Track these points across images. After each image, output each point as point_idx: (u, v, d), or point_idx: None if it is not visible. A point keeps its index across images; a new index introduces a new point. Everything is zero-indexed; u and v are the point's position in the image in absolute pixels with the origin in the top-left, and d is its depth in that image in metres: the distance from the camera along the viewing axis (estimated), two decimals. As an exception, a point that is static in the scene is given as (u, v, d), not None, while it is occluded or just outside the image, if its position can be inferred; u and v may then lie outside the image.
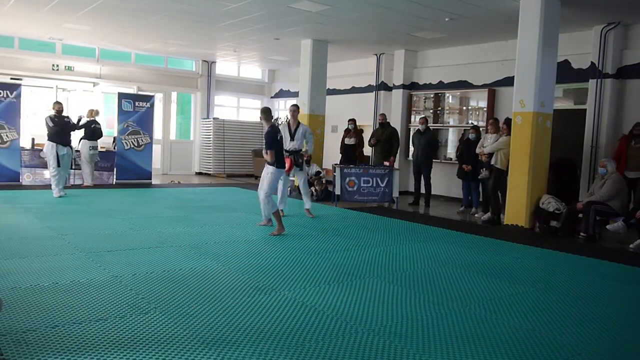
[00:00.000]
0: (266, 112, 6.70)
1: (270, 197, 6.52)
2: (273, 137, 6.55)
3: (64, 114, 9.58)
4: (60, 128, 9.14)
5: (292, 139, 7.75)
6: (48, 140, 9.14)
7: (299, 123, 7.91)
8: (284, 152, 7.31)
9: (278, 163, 6.58)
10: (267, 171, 6.58)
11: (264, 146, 6.67)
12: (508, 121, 8.32)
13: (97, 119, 10.88)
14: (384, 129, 10.40)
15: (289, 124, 7.86)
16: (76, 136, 10.77)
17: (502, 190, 8.26)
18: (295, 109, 7.93)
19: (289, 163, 7.39)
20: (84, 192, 9.80)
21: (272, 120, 6.86)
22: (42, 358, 2.72)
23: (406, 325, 3.45)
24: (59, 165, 9.03)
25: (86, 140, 10.51)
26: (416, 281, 4.58)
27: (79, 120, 10.07)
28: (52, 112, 9.22)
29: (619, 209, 7.00)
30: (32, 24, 11.02)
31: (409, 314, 3.69)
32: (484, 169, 8.46)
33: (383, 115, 10.70)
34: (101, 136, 10.88)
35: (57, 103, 9.43)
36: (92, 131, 10.60)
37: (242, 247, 5.68)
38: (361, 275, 4.69)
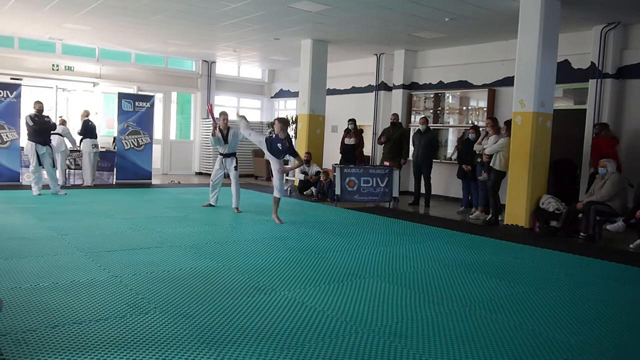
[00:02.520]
0: (287, 123, 7.57)
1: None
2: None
3: (44, 113, 9.38)
4: (39, 127, 9.03)
5: (226, 141, 8.29)
6: (28, 139, 9.08)
7: (228, 128, 8.33)
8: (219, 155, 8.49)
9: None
10: (279, 173, 7.43)
11: (284, 153, 7.32)
12: (508, 123, 8.36)
13: (91, 118, 10.97)
14: (395, 128, 10.42)
15: (221, 130, 8.23)
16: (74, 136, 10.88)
17: (494, 192, 8.23)
18: (226, 116, 8.33)
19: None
20: (84, 192, 9.80)
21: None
22: (42, 358, 2.71)
23: (406, 325, 3.45)
24: (39, 165, 9.04)
25: (87, 139, 10.55)
26: (416, 281, 4.58)
27: (62, 122, 10.29)
28: (33, 112, 9.10)
29: (619, 209, 7.00)
30: (32, 24, 11.02)
31: (409, 314, 3.69)
32: (484, 171, 8.44)
33: (395, 115, 10.75)
34: (96, 133, 10.91)
35: (38, 102, 9.27)
36: (91, 129, 10.66)
37: (242, 247, 5.68)
38: (361, 275, 4.69)
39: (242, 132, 7.93)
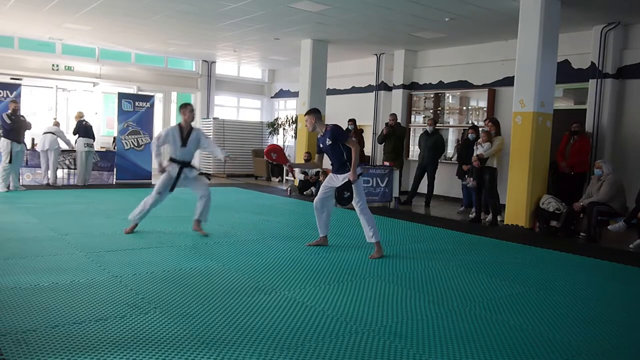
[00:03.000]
0: (318, 112, 5.67)
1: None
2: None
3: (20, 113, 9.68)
4: (17, 125, 9.33)
5: (184, 144, 6.01)
6: (4, 137, 9.33)
7: (191, 127, 6.11)
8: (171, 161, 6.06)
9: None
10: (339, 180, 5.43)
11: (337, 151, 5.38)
12: (494, 120, 8.59)
13: (91, 120, 11.05)
14: (394, 129, 10.35)
15: (180, 126, 6.03)
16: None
17: (494, 192, 8.24)
18: (192, 109, 6.14)
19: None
20: (84, 192, 9.80)
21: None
22: (42, 358, 2.71)
23: (406, 325, 3.45)
24: (10, 162, 9.27)
25: (81, 139, 10.73)
26: (416, 281, 4.58)
27: (55, 124, 10.64)
28: (9, 111, 9.37)
29: (619, 209, 7.00)
30: (32, 24, 11.03)
31: (409, 314, 3.69)
32: (472, 178, 8.36)
33: (394, 115, 10.66)
34: (93, 134, 10.99)
35: (13, 102, 9.60)
36: (85, 128, 10.77)
37: (242, 247, 5.68)
38: (361, 275, 4.68)
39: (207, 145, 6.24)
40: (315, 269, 4.85)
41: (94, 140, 10.98)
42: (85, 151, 10.74)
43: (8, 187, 9.37)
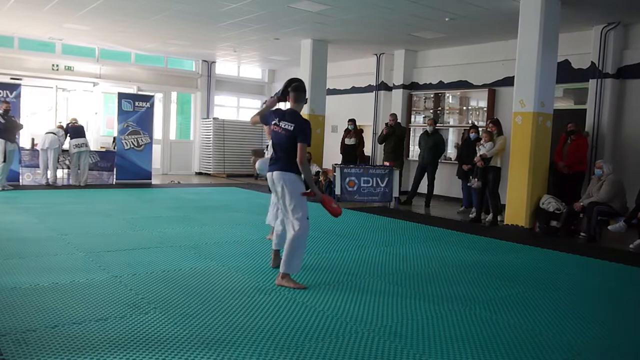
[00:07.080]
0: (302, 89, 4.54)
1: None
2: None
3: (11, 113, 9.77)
4: (10, 125, 9.48)
5: None
6: None
7: None
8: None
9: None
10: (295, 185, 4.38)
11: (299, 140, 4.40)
12: (495, 121, 8.64)
13: (90, 120, 11.05)
14: (394, 129, 10.34)
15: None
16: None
17: (495, 191, 8.24)
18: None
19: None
20: (84, 192, 9.80)
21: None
22: (42, 358, 2.72)
23: (406, 325, 3.45)
24: (4, 161, 9.41)
25: (70, 140, 10.81)
26: (416, 281, 4.58)
27: (59, 127, 10.76)
28: (1, 111, 9.45)
29: (619, 209, 7.00)
30: (32, 24, 11.02)
31: (409, 314, 3.69)
32: (477, 179, 8.36)
33: (394, 115, 10.65)
34: (84, 133, 11.04)
35: (5, 102, 9.73)
36: (74, 129, 10.85)
37: (242, 247, 5.68)
38: (361, 275, 4.68)
39: None
40: (316, 269, 4.85)
41: (82, 134, 11.02)
42: (76, 152, 10.74)
43: (3, 187, 9.43)
